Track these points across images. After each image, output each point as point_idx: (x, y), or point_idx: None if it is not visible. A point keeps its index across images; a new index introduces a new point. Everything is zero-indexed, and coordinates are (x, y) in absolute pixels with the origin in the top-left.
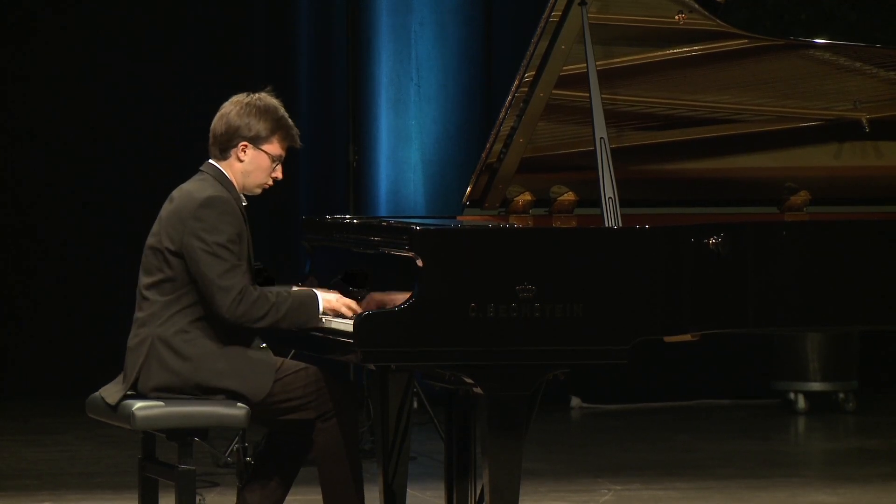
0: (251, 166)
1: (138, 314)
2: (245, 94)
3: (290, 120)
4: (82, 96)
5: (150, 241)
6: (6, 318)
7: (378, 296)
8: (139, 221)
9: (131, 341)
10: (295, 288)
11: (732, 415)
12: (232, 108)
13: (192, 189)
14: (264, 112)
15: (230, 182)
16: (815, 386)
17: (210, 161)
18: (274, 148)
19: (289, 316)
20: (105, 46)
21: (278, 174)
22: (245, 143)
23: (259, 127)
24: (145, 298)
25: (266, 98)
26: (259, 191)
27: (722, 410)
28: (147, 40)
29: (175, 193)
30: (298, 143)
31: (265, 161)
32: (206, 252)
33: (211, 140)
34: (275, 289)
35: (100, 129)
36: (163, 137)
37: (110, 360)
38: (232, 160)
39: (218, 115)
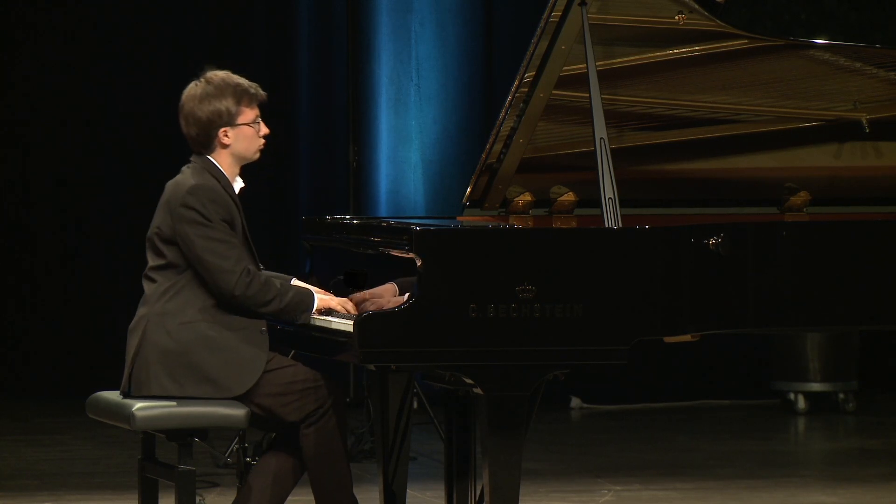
0: (239, 144)
1: (141, 299)
2: (193, 83)
3: (245, 80)
4: (82, 96)
5: (148, 233)
6: (6, 318)
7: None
8: (139, 221)
9: (130, 324)
10: (294, 281)
11: (732, 415)
12: (193, 104)
13: (180, 180)
14: (221, 90)
15: (219, 170)
16: (815, 386)
17: (197, 153)
18: (248, 115)
19: (289, 307)
20: (104, 46)
21: (265, 130)
22: (223, 128)
23: (224, 106)
24: (145, 285)
25: (214, 75)
26: (258, 155)
27: (722, 410)
28: (146, 41)
29: (167, 184)
30: (264, 94)
31: (248, 131)
32: (200, 237)
33: (190, 142)
34: (275, 275)
35: (99, 128)
36: (162, 137)
37: (110, 360)
38: (218, 149)
39: (182, 116)
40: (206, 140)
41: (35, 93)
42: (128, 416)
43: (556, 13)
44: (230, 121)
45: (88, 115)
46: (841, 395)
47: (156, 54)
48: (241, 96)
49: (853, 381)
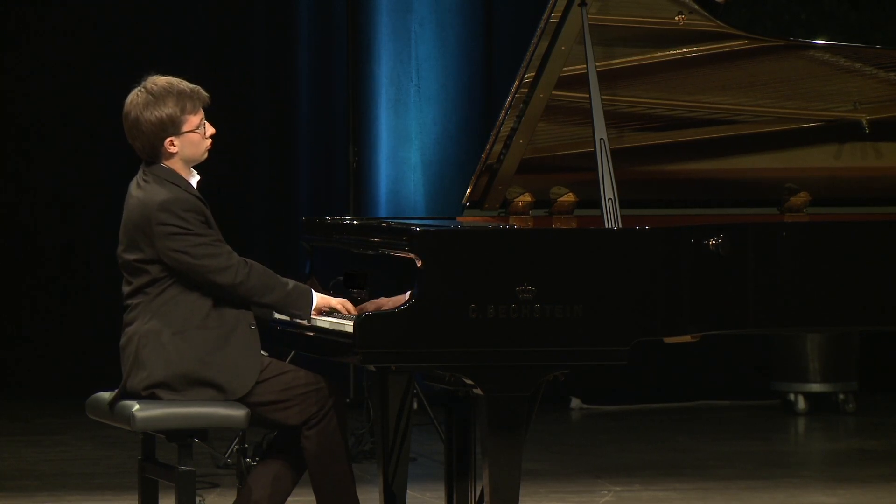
0: (186, 150)
1: (125, 317)
2: (135, 91)
3: (188, 84)
4: (82, 97)
5: (118, 250)
6: (7, 318)
7: (377, 301)
8: None
9: (121, 342)
10: None
11: (732, 415)
12: (136, 115)
13: (144, 198)
14: (163, 98)
15: (177, 176)
16: (815, 387)
17: (147, 162)
18: (192, 122)
19: (293, 296)
20: (104, 46)
21: (211, 131)
22: (169, 137)
23: (167, 114)
24: (129, 305)
25: (154, 84)
26: (207, 155)
27: (722, 410)
28: (146, 41)
29: (128, 200)
30: (206, 95)
31: (194, 137)
32: (189, 247)
33: (136, 152)
34: None
35: (99, 129)
36: None
37: (110, 361)
38: (166, 158)
39: (125, 127)
40: (153, 150)
41: (35, 93)
42: (128, 416)
43: (556, 13)
44: (175, 130)
45: (88, 115)
46: (841, 396)
47: (156, 54)
48: (183, 103)
49: (853, 382)
